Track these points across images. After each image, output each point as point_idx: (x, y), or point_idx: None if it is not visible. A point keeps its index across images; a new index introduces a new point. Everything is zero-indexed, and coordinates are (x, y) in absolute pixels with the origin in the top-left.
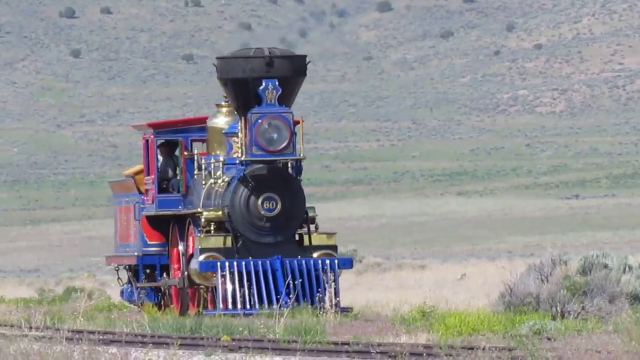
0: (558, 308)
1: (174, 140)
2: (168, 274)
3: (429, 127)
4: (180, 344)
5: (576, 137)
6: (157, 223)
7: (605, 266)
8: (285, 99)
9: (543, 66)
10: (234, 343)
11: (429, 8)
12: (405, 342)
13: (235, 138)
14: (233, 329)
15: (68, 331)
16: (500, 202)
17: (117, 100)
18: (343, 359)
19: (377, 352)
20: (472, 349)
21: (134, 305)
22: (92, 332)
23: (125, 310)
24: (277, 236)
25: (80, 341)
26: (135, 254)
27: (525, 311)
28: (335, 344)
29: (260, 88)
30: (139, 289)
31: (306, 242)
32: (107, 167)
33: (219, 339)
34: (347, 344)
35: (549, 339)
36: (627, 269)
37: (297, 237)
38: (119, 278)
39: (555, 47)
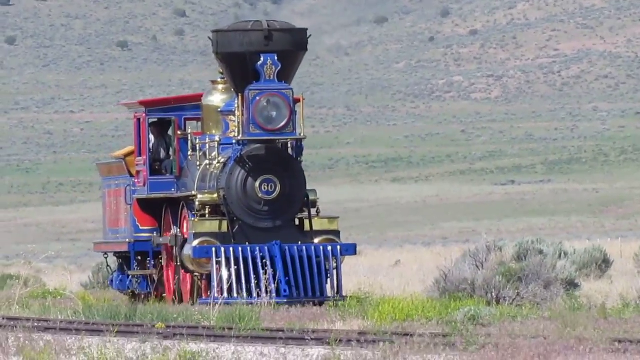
0: (493, 294)
1: (166, 119)
2: (160, 261)
3: (364, 114)
4: (114, 331)
5: (511, 123)
6: (149, 207)
7: (541, 252)
8: (285, 75)
9: (478, 52)
10: (168, 330)
11: None
12: (340, 329)
13: (231, 117)
14: (168, 316)
15: (3, 318)
16: (436, 188)
17: (52, 87)
18: (278, 346)
19: (312, 339)
20: (406, 335)
21: (125, 294)
22: (27, 320)
23: (60, 297)
24: (276, 220)
25: (15, 328)
26: (127, 240)
27: (460, 297)
28: (270, 330)
29: (259, 63)
30: (130, 277)
31: (307, 227)
32: (42, 155)
33: (154, 326)
34: (282, 330)
35: (483, 325)
36: (562, 255)
37: (297, 222)
38: (108, 265)
39: (490, 33)
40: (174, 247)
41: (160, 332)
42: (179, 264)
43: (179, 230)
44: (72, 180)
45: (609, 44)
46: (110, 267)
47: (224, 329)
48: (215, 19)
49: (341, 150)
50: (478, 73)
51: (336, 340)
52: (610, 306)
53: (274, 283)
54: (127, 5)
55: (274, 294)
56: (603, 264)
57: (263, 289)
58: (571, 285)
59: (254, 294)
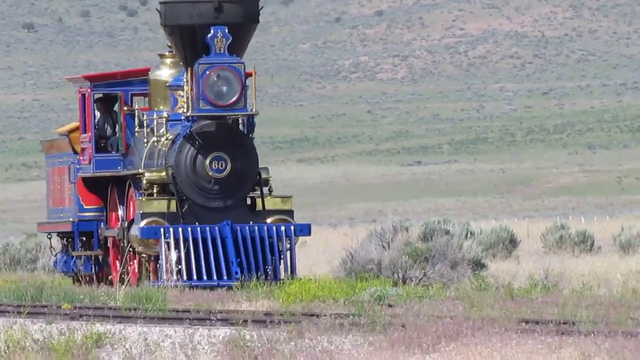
0: (400, 274)
1: (112, 94)
2: (106, 242)
3: (269, 94)
4: (20, 312)
5: (418, 104)
6: (95, 185)
7: (447, 232)
8: (236, 48)
9: (384, 33)
10: (75, 311)
11: None
12: (246, 310)
13: (180, 92)
14: (74, 297)
15: None
16: (342, 169)
17: None
18: (184, 327)
19: (218, 320)
20: (313, 315)
21: (69, 276)
22: None
23: None
24: (227, 200)
25: None
26: (71, 219)
27: (366, 278)
28: (177, 311)
29: (209, 36)
30: (74, 258)
31: (259, 206)
32: None
33: (60, 307)
34: (188, 311)
35: (390, 305)
36: (468, 235)
37: (249, 201)
38: (51, 247)
39: (396, 13)
40: (122, 240)
41: (67, 312)
42: (125, 244)
43: (125, 214)
44: None
45: (515, 24)
46: (53, 248)
47: (130, 309)
48: (120, 0)
49: None
50: (384, 53)
51: (242, 321)
52: (517, 286)
53: (225, 264)
54: None
55: (224, 276)
56: (510, 244)
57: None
58: (478, 265)
59: (204, 277)
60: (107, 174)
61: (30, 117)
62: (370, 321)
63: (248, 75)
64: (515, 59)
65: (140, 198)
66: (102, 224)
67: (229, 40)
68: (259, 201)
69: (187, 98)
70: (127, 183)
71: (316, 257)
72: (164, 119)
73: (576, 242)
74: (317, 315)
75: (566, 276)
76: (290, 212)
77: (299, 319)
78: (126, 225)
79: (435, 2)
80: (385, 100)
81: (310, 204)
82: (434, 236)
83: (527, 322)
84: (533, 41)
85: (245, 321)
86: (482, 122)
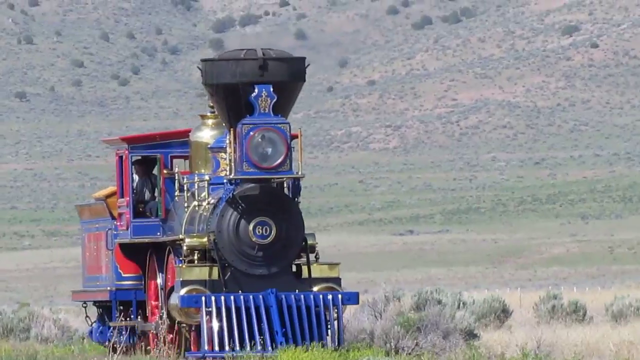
0: (392, 344)
1: (151, 156)
2: (144, 312)
3: None
4: None
5: (410, 173)
6: (133, 252)
7: (439, 302)
8: (281, 107)
9: (376, 102)
10: None
11: (261, 45)
12: None
13: (222, 154)
14: None
15: None
16: (334, 239)
17: None
18: None
19: None
20: None
21: (105, 346)
22: None
23: None
24: (272, 267)
25: None
26: (108, 288)
27: (359, 348)
28: None
29: (253, 95)
30: (111, 328)
31: (305, 273)
32: None
33: None
34: None
35: None
36: (461, 304)
37: (294, 268)
38: (87, 316)
39: (388, 83)
40: (160, 298)
41: None
42: (165, 314)
43: (164, 282)
44: None
45: (507, 94)
46: (89, 318)
47: None
48: (113, 69)
49: None
50: (376, 123)
51: None
52: (510, 356)
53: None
54: (25, 55)
55: (269, 347)
56: (502, 313)
57: (258, 341)
58: (470, 335)
59: (247, 347)
60: (146, 240)
61: (23, 186)
62: None
63: (294, 137)
64: (508, 129)
65: (180, 265)
66: (139, 318)
67: (274, 100)
68: (305, 268)
69: (230, 160)
70: (167, 249)
71: None
72: (206, 183)
73: (568, 312)
74: None
75: (558, 346)
76: (337, 280)
77: None
78: (165, 294)
79: (428, 72)
80: (378, 170)
81: None
82: (426, 306)
83: None
84: (525, 111)
85: None
86: (474, 192)
